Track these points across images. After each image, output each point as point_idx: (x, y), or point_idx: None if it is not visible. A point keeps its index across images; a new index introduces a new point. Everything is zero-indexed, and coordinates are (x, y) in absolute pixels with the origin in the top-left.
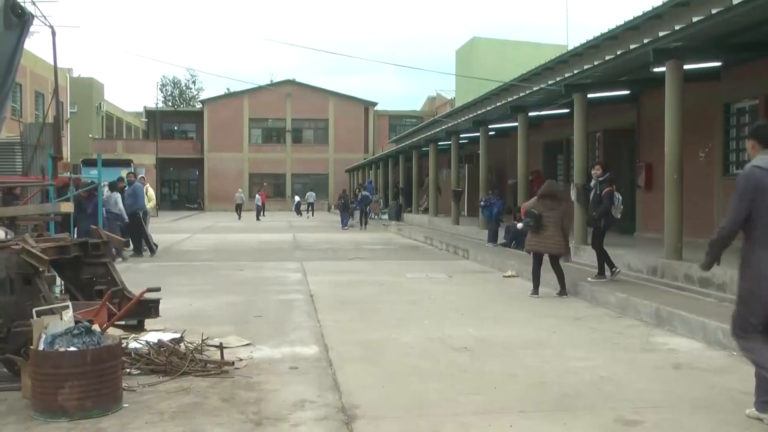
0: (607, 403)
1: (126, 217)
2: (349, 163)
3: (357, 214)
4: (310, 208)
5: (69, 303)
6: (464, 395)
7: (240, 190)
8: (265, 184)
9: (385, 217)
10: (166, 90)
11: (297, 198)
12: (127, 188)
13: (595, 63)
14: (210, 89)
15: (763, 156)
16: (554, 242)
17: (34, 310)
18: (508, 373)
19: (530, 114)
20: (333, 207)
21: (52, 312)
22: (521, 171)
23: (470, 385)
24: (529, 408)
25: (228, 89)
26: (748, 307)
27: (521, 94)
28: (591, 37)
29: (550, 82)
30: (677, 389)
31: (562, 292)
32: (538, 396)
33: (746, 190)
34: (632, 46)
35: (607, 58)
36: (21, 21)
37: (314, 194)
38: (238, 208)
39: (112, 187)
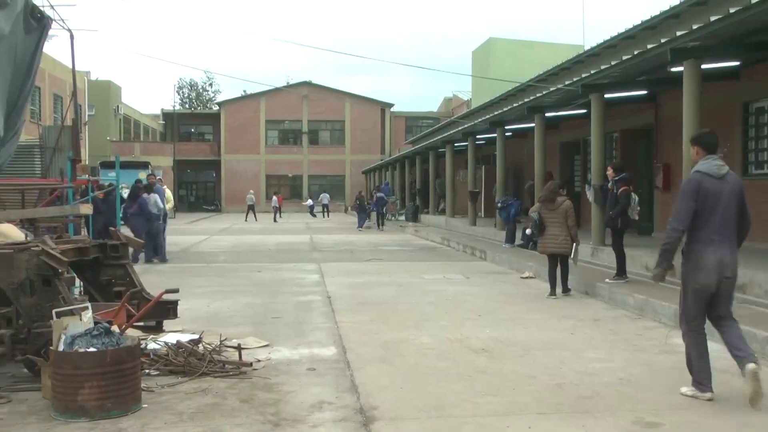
0: (626, 405)
1: (166, 215)
2: (366, 164)
3: (374, 215)
4: (324, 210)
5: (88, 304)
6: (483, 396)
7: (251, 191)
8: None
9: (402, 218)
10: (183, 92)
11: (310, 201)
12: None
13: (613, 63)
14: (227, 91)
15: (704, 162)
16: (559, 242)
17: (53, 311)
18: (527, 374)
19: (547, 114)
20: (349, 208)
21: (71, 313)
22: (538, 172)
23: (489, 387)
24: (547, 409)
25: (245, 91)
26: (689, 298)
27: (538, 95)
28: (608, 37)
29: (567, 83)
30: None
31: (564, 290)
32: (557, 397)
33: (689, 193)
34: (650, 46)
35: (624, 58)
36: (40, 25)
37: (328, 195)
38: (250, 210)
39: (148, 188)
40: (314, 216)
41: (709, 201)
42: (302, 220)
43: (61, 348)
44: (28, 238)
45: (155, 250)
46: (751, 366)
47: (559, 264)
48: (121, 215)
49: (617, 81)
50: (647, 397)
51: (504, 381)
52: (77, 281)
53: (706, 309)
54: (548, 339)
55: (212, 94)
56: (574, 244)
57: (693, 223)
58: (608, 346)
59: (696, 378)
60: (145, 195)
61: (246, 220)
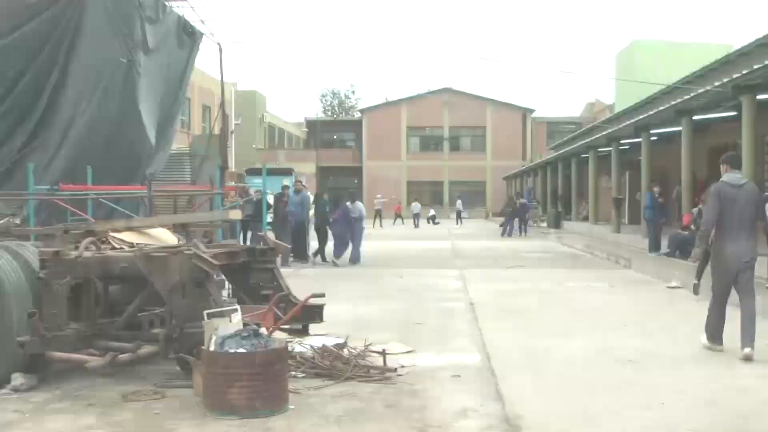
0: None
1: (364, 218)
2: (507, 170)
3: (516, 222)
4: (458, 217)
5: (238, 306)
6: (631, 409)
7: (378, 196)
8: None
9: (544, 224)
10: (326, 100)
11: (416, 206)
12: (294, 197)
13: (766, 62)
14: (369, 99)
15: (727, 174)
16: None
17: (204, 313)
18: (676, 388)
19: (694, 118)
20: (490, 214)
21: (221, 315)
22: (685, 177)
23: (636, 400)
24: (700, 428)
25: (386, 98)
26: (715, 278)
27: (685, 97)
28: (760, 35)
29: (716, 84)
30: None
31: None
32: (709, 415)
33: (713, 195)
34: None
35: None
36: (191, 39)
37: (461, 202)
38: (377, 215)
39: (352, 197)
40: (416, 227)
41: (727, 204)
42: (444, 226)
43: (212, 348)
44: (180, 243)
45: (335, 253)
46: (747, 350)
47: None
48: (268, 221)
49: None
50: None
51: (652, 394)
52: (227, 284)
53: (731, 285)
54: (698, 352)
55: (354, 102)
56: None
57: (717, 221)
58: (764, 362)
59: (713, 334)
60: (348, 203)
61: (394, 224)
